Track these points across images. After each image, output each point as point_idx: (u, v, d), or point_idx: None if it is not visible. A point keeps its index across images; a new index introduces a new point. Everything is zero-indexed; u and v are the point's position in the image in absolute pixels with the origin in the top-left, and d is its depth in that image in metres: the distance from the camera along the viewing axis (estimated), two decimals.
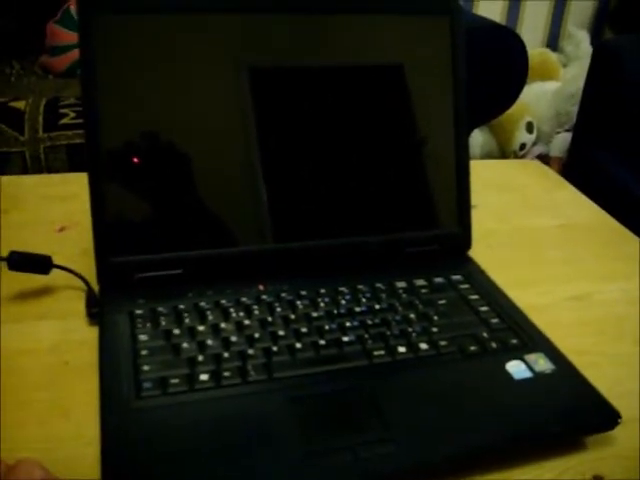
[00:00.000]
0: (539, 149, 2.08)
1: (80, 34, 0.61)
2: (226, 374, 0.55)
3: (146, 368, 0.55)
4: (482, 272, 0.71)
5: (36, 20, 1.74)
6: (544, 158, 2.02)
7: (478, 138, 2.01)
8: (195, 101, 0.65)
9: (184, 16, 0.64)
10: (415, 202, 0.72)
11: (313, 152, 0.68)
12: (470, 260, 0.73)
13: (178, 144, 0.64)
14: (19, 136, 1.30)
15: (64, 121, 1.33)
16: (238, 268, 0.66)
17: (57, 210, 0.83)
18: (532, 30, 2.47)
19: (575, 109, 1.77)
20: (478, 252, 0.74)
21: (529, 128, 2.05)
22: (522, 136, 2.04)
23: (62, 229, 0.79)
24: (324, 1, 0.69)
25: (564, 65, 2.30)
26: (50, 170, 1.30)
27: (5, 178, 0.91)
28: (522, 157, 2.07)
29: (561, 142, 2.03)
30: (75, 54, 1.64)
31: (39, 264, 0.67)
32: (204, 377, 0.54)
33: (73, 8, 1.69)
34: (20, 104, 1.38)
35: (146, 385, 0.53)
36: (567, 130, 2.02)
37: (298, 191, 0.68)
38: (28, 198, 0.86)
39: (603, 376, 0.58)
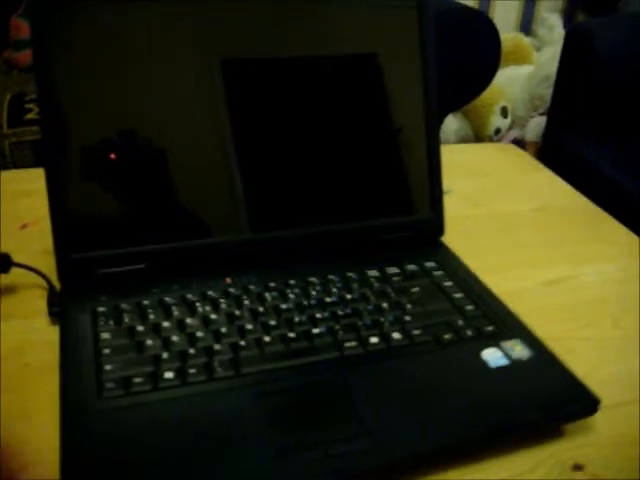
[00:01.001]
0: (514, 133, 2.07)
1: (32, 25, 0.59)
2: (192, 371, 0.52)
3: (108, 367, 0.53)
4: (456, 258, 0.70)
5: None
6: (519, 142, 2.01)
7: (452, 124, 2.00)
8: (162, 91, 0.62)
9: (149, 4, 0.61)
10: (387, 189, 0.70)
11: (285, 141, 0.66)
12: (443, 247, 0.72)
13: (141, 133, 0.62)
14: None
15: (29, 116, 1.30)
16: (204, 261, 0.64)
17: (21, 206, 0.80)
18: (505, 15, 2.46)
19: (549, 92, 1.76)
20: (452, 238, 0.72)
21: (504, 113, 2.04)
22: (497, 121, 2.02)
23: (25, 226, 0.77)
24: None
25: (537, 49, 2.29)
26: (16, 166, 1.26)
27: None
28: (497, 142, 2.05)
29: (536, 126, 2.02)
30: None
31: None
32: (169, 375, 0.52)
33: None
34: None
35: (108, 385, 0.51)
36: (542, 114, 2.01)
37: (267, 180, 0.66)
38: None
39: (582, 361, 0.57)
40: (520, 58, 2.16)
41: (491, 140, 2.03)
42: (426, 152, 0.70)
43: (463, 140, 2.01)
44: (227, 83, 0.63)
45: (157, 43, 0.62)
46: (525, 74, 2.08)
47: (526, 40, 2.28)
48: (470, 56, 1.38)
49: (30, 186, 0.83)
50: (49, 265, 0.65)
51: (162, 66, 0.62)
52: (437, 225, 0.71)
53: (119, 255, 0.62)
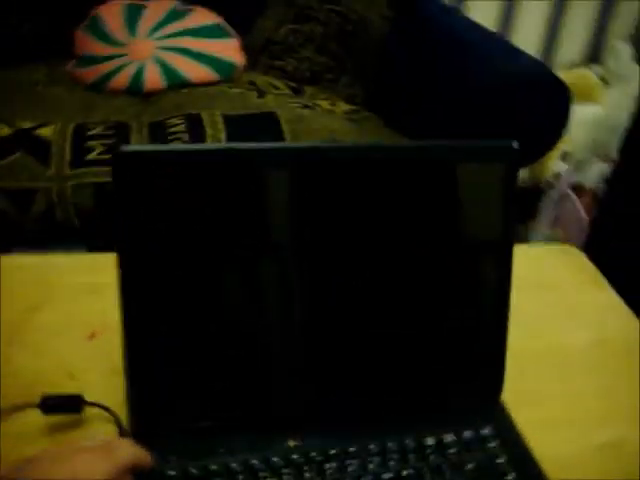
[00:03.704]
0: (573, 178, 2.03)
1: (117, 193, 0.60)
2: None
3: None
4: (511, 422, 0.71)
5: (65, 23, 1.71)
6: (578, 187, 1.99)
7: None
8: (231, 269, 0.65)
9: None
10: (450, 354, 0.71)
11: (351, 309, 0.68)
12: (501, 407, 0.72)
13: (214, 303, 0.66)
14: (45, 170, 1.29)
15: (91, 156, 1.31)
16: (267, 422, 0.67)
17: (87, 307, 0.82)
18: (574, 42, 2.39)
19: (614, 140, 1.72)
20: (509, 378, 0.72)
21: (564, 157, 2.00)
22: (557, 165, 1.99)
23: (92, 335, 0.79)
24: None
25: (605, 82, 2.21)
26: (77, 208, 1.28)
27: (33, 258, 0.91)
28: (555, 186, 2.01)
29: (596, 172, 1.99)
30: (104, 67, 1.61)
31: (71, 404, 0.68)
32: None
33: (101, 15, 1.65)
34: (46, 131, 1.36)
35: None
36: (603, 160, 1.97)
37: (332, 348, 0.68)
38: (58, 288, 0.85)
39: None
40: (586, 96, 2.09)
41: (549, 184, 1.99)
42: (495, 321, 0.72)
43: (519, 182, 1.97)
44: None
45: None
46: (590, 118, 2.02)
47: (594, 77, 2.21)
48: (538, 119, 1.36)
49: (96, 278, 0.82)
50: (116, 386, 0.67)
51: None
52: (497, 386, 0.72)
53: (188, 413, 0.66)
